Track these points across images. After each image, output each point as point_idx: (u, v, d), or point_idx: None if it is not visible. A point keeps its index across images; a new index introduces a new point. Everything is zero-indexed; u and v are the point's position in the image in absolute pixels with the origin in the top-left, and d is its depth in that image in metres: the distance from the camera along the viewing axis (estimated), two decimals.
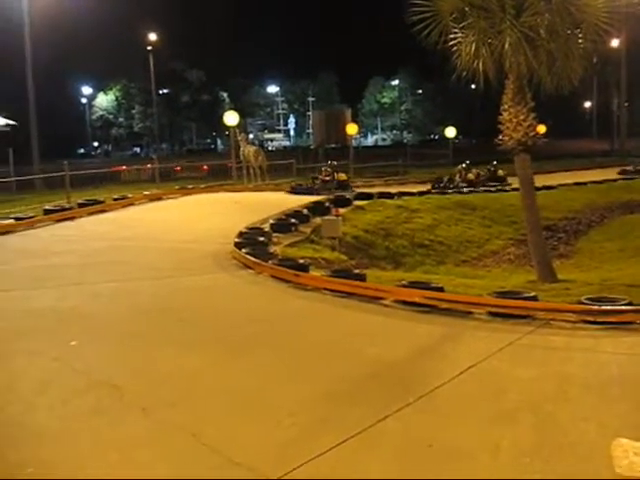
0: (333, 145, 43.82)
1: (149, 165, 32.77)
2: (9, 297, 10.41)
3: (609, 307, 8.47)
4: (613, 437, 5.22)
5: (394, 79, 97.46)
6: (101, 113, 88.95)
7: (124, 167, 33.98)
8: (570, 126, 63.86)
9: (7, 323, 8.99)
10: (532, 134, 12.77)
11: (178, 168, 32.82)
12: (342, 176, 26.81)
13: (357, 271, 11.77)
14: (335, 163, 28.50)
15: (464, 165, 28.02)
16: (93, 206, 20.02)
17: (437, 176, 28.02)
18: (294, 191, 25.04)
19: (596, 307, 8.49)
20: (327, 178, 26.71)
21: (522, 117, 12.65)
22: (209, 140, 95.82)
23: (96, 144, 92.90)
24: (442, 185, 26.46)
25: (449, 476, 4.86)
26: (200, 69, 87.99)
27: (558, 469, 4.91)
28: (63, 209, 19.41)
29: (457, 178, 27.17)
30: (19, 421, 5.92)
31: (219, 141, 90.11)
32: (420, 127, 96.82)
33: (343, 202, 20.63)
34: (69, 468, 5.05)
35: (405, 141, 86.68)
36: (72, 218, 18.69)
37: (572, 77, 12.73)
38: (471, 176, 27.35)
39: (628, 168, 34.10)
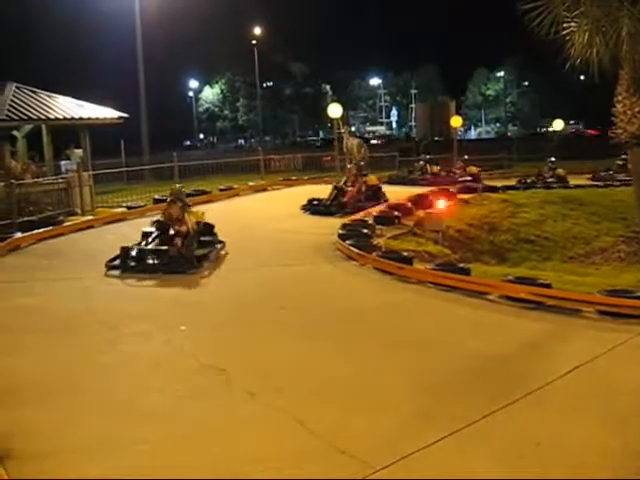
0: (437, 138, 43.30)
1: (298, 155, 33.71)
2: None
3: None
4: None
5: (499, 71, 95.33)
6: (207, 106, 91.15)
7: (272, 156, 34.31)
8: None
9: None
10: None
11: (327, 158, 32.51)
12: (473, 169, 27.02)
13: (462, 265, 11.63)
14: (428, 157, 28.78)
15: (551, 161, 27.26)
16: (200, 196, 20.55)
17: (538, 171, 27.31)
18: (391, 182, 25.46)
19: None
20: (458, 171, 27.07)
21: (637, 109, 12.13)
22: (311, 133, 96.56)
23: (202, 136, 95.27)
24: (529, 181, 25.79)
25: (556, 476, 4.77)
26: (303, 62, 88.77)
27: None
28: None
29: (545, 174, 26.44)
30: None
31: (321, 133, 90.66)
32: (525, 120, 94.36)
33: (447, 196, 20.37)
34: (175, 447, 5.25)
35: (509, 134, 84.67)
36: None
37: None
38: (561, 172, 26.55)
39: None
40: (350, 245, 12.63)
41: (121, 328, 8.47)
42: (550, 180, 25.89)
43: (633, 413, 5.77)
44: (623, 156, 26.22)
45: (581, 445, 5.20)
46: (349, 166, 21.40)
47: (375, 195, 19.75)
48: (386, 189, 20.59)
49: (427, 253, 14.03)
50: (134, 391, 6.46)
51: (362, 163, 22.14)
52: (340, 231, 14.23)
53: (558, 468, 4.85)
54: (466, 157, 28.88)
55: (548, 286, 9.58)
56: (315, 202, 18.89)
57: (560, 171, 26.67)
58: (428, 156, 29.14)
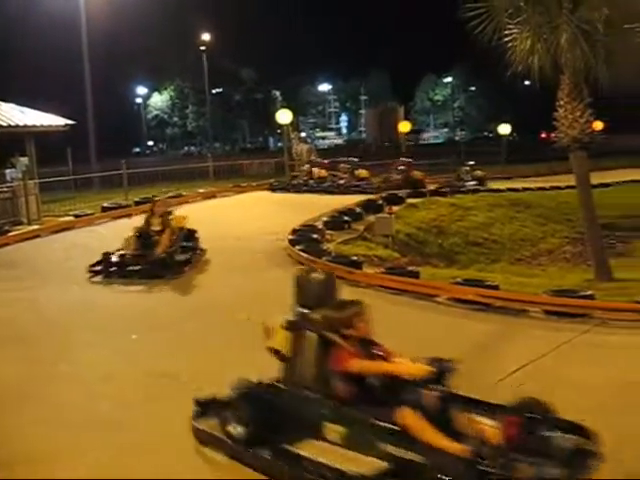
0: (387, 143, 43.70)
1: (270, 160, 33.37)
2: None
3: None
4: None
5: (447, 76, 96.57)
6: (156, 113, 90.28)
7: (247, 161, 33.96)
8: (629, 122, 62.41)
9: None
10: (588, 131, 12.56)
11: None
12: (363, 173, 25.62)
13: (411, 268, 11.76)
14: (356, 160, 27.96)
15: (468, 166, 27.26)
16: (149, 204, 20.31)
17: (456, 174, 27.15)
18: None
19: None
20: (344, 175, 25.17)
21: (578, 113, 12.45)
22: (261, 139, 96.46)
23: (151, 143, 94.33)
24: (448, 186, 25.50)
25: None
26: (253, 68, 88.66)
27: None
28: (120, 207, 19.81)
29: (464, 177, 26.41)
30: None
31: (271, 140, 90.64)
32: (473, 124, 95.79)
33: (396, 200, 20.62)
34: (129, 453, 5.21)
35: (457, 138, 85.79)
36: (129, 215, 19.05)
37: (630, 72, 12.48)
38: (480, 173, 26.67)
39: None
40: (300, 250, 12.67)
41: (76, 336, 8.38)
42: (470, 183, 25.82)
43: (578, 409, 5.90)
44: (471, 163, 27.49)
45: None
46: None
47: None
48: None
49: (377, 257, 14.15)
50: (85, 400, 6.40)
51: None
52: (290, 236, 14.26)
53: None
54: (355, 160, 27.71)
55: (495, 288, 9.77)
56: None
57: (478, 173, 26.75)
58: (356, 159, 28.36)
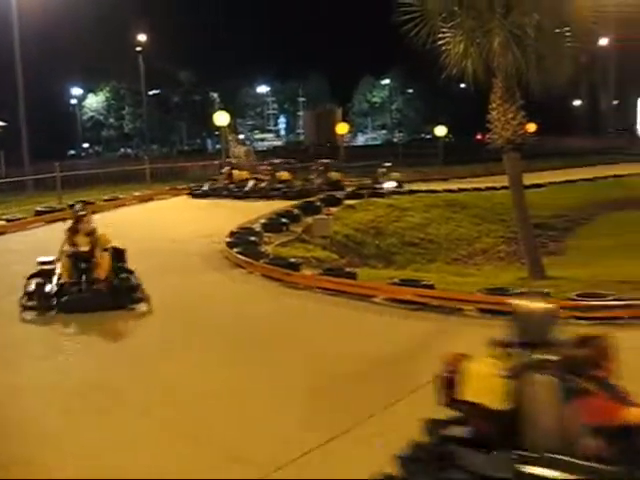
0: (327, 144, 43.82)
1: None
2: None
3: (597, 303, 8.57)
4: None
5: (384, 78, 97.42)
6: (91, 114, 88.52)
7: (189, 164, 33.00)
8: (560, 124, 64.01)
9: None
10: (521, 132, 12.83)
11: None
12: (284, 175, 24.21)
13: (348, 270, 11.83)
14: (292, 161, 27.27)
15: (385, 168, 26.70)
16: (70, 219, 19.93)
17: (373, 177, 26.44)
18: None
19: (585, 303, 8.59)
20: (265, 178, 23.81)
21: (511, 116, 12.71)
22: (199, 141, 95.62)
23: (86, 145, 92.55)
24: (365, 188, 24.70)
25: None
26: (191, 70, 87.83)
27: None
28: (54, 210, 19.39)
29: (380, 180, 25.75)
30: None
31: (209, 142, 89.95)
32: (411, 126, 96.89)
33: (334, 201, 20.70)
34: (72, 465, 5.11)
35: (395, 140, 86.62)
36: (63, 219, 18.68)
37: (560, 76, 12.79)
38: (397, 175, 26.17)
39: None
40: (238, 253, 12.62)
41: None
42: (387, 185, 25.24)
43: None
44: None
45: None
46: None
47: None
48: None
49: (315, 259, 14.18)
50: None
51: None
52: (228, 239, 14.18)
53: None
54: (276, 160, 26.85)
55: (431, 287, 9.90)
56: None
57: (396, 175, 26.43)
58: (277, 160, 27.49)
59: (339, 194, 22.10)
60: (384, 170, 26.48)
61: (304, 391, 6.49)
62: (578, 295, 8.92)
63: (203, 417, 5.96)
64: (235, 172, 24.57)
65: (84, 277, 9.79)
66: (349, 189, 24.07)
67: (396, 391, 6.29)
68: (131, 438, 5.53)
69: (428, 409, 5.87)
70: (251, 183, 23.34)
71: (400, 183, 25.79)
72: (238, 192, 22.86)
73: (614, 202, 25.35)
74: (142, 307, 9.64)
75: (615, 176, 30.14)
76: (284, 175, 24.24)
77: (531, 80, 12.53)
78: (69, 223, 10.86)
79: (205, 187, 24.03)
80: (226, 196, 22.74)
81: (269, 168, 24.76)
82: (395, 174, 26.32)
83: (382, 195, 23.38)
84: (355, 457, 5.12)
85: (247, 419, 5.89)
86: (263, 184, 23.38)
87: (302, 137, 71.48)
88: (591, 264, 14.70)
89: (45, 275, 9.89)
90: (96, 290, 9.65)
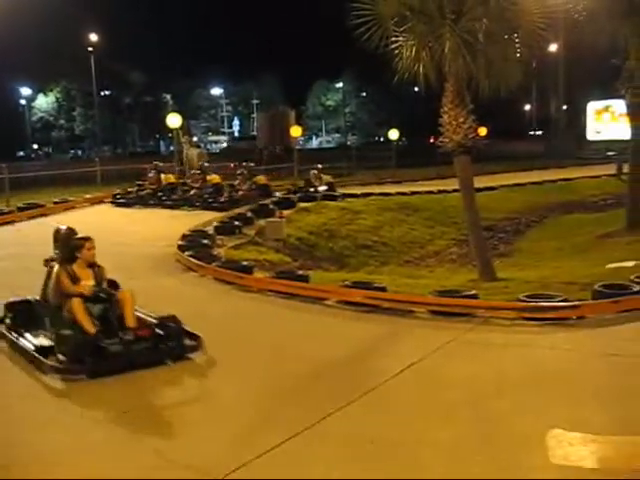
0: (278, 147, 43.79)
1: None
2: None
3: (546, 304, 8.70)
4: (548, 429, 5.40)
5: (338, 82, 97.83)
6: (41, 115, 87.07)
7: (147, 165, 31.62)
8: (511, 128, 65.06)
9: None
10: (472, 136, 12.99)
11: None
12: (261, 179, 23.13)
13: (300, 272, 11.83)
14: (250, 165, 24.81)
15: (317, 169, 25.73)
16: (33, 210, 19.66)
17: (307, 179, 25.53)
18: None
19: (533, 304, 8.72)
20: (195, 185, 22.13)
21: (462, 119, 12.86)
22: (152, 143, 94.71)
23: (36, 146, 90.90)
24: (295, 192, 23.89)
25: (390, 473, 4.93)
26: (143, 71, 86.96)
27: (497, 459, 5.06)
28: (2, 213, 19.04)
29: (314, 182, 24.89)
30: None
31: (162, 144, 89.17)
32: (364, 129, 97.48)
33: (287, 204, 20.69)
34: None
35: (349, 143, 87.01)
36: (12, 222, 18.37)
37: (510, 81, 12.98)
38: (329, 178, 25.34)
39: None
40: (190, 256, 12.52)
41: None
42: (321, 188, 24.36)
43: (460, 405, 6.10)
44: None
45: (414, 440, 5.42)
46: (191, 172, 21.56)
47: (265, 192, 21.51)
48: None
49: (268, 262, 14.16)
50: None
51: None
52: (180, 242, 14.07)
53: (391, 464, 5.04)
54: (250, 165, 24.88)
55: (383, 289, 9.95)
56: None
57: (327, 177, 25.68)
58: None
59: (293, 197, 22.09)
60: (315, 172, 25.63)
61: (260, 391, 6.47)
62: (527, 296, 9.04)
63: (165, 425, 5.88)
64: (162, 176, 23.29)
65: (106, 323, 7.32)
66: (279, 194, 22.89)
67: (349, 392, 6.31)
68: None
69: (382, 410, 6.00)
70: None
71: (331, 186, 24.94)
72: (166, 200, 21.38)
73: (562, 205, 25.86)
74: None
75: (563, 179, 30.70)
76: (214, 178, 22.71)
77: (481, 84, 12.69)
78: (58, 251, 8.07)
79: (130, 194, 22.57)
80: (152, 205, 21.24)
81: (198, 172, 23.02)
82: (327, 177, 25.55)
83: (315, 199, 22.51)
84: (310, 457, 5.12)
85: (204, 419, 5.86)
86: (193, 191, 21.85)
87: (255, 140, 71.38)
88: (540, 266, 14.96)
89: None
90: (135, 340, 7.06)
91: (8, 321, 7.97)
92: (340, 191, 24.73)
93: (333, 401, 6.09)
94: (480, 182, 24.73)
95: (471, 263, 15.45)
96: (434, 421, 5.80)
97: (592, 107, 50.54)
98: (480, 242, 13.30)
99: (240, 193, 21.47)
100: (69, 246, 7.75)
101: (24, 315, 7.98)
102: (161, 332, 7.34)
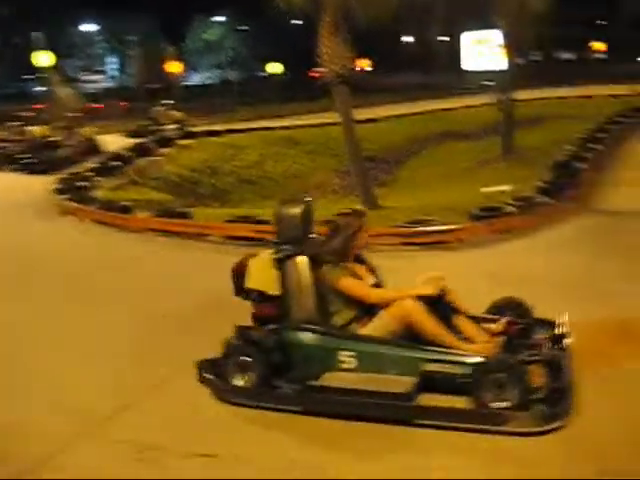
0: (158, 85, 42.50)
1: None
2: None
3: (425, 229, 8.93)
4: None
5: (218, 16, 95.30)
6: None
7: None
8: (393, 60, 65.47)
9: None
10: (349, 66, 12.95)
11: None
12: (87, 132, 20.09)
13: (183, 210, 11.64)
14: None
15: (164, 106, 23.74)
16: None
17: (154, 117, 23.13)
18: None
19: (414, 229, 8.94)
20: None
21: (338, 49, 12.77)
22: (22, 84, 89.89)
23: None
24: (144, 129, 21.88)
25: None
26: (8, 6, 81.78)
27: None
28: None
29: (162, 119, 22.48)
30: None
31: (32, 85, 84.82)
32: (246, 64, 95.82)
33: (167, 142, 20.15)
34: None
35: (231, 79, 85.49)
36: None
37: (386, 10, 12.97)
38: (178, 115, 23.00)
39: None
40: (67, 199, 12.09)
41: None
42: (169, 127, 22.05)
43: None
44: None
45: None
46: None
47: (92, 149, 18.73)
48: None
49: (149, 201, 13.86)
50: None
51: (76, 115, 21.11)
52: (57, 185, 13.55)
53: None
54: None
55: (267, 222, 9.92)
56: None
57: (176, 114, 23.42)
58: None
59: (171, 134, 21.30)
60: (161, 109, 23.28)
61: (134, 332, 6.36)
62: (406, 222, 9.25)
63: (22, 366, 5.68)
64: (32, 129, 19.83)
65: None
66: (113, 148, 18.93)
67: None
68: None
69: None
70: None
71: (181, 123, 22.68)
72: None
73: (442, 134, 26.43)
74: None
75: (443, 110, 31.32)
76: (38, 131, 19.42)
77: (358, 13, 12.61)
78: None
79: None
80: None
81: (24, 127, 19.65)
82: (175, 113, 23.26)
83: (165, 140, 20.45)
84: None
85: (67, 368, 5.63)
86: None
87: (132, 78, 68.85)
88: (420, 193, 15.31)
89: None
90: None
91: None
92: (217, 128, 23.47)
93: (225, 328, 6.10)
94: (362, 114, 24.93)
95: (353, 193, 15.60)
96: None
97: (468, 37, 51.47)
98: (361, 172, 13.41)
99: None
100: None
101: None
102: None
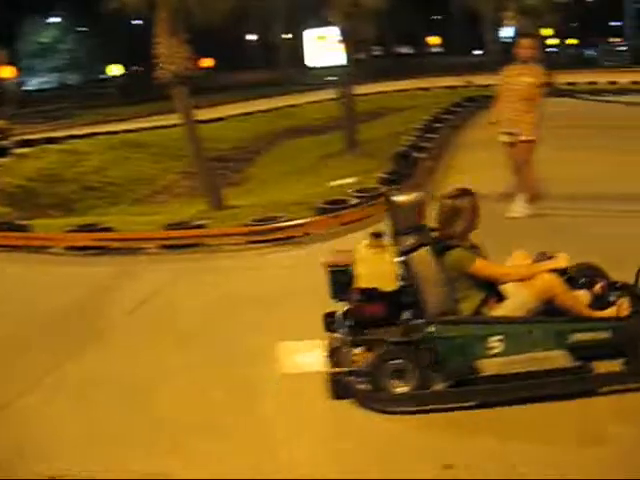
0: None
1: None
2: None
3: (272, 225, 9.01)
4: (277, 342, 5.65)
5: (54, 17, 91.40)
6: None
7: None
8: (237, 58, 65.34)
9: None
10: (188, 66, 12.79)
11: None
12: None
13: (21, 222, 11.10)
14: None
15: None
16: None
17: None
18: None
19: (260, 227, 8.99)
20: None
21: (176, 50, 12.58)
22: None
23: None
24: None
25: (129, 408, 4.94)
26: None
27: (230, 376, 5.23)
28: None
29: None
30: None
31: None
32: (85, 66, 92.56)
33: (2, 152, 19.08)
34: None
35: (70, 82, 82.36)
36: None
37: (223, 7, 12.92)
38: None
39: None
40: None
41: None
42: None
43: (195, 331, 6.20)
44: None
45: (150, 375, 5.41)
46: None
47: None
48: None
49: None
50: None
51: None
52: None
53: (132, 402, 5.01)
54: None
55: (109, 230, 9.68)
56: None
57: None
58: None
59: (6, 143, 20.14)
60: None
61: None
62: (254, 220, 9.29)
63: None
64: None
65: None
66: None
67: (83, 339, 6.14)
68: None
69: (118, 350, 5.89)
70: None
71: (3, 133, 20.76)
72: None
73: (289, 130, 26.65)
74: None
75: (288, 106, 31.58)
76: None
77: (194, 13, 12.49)
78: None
79: None
80: None
81: None
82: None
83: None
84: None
85: None
86: None
87: None
88: (269, 190, 15.39)
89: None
90: None
91: None
92: (56, 134, 22.64)
93: (68, 348, 5.93)
94: (208, 113, 24.85)
95: (202, 194, 15.48)
96: (168, 351, 5.82)
97: (310, 35, 52.27)
98: (206, 172, 13.28)
99: None
100: None
101: None
102: None
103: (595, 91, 25.50)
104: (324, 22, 43.87)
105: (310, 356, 5.46)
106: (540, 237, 7.23)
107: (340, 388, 4.57)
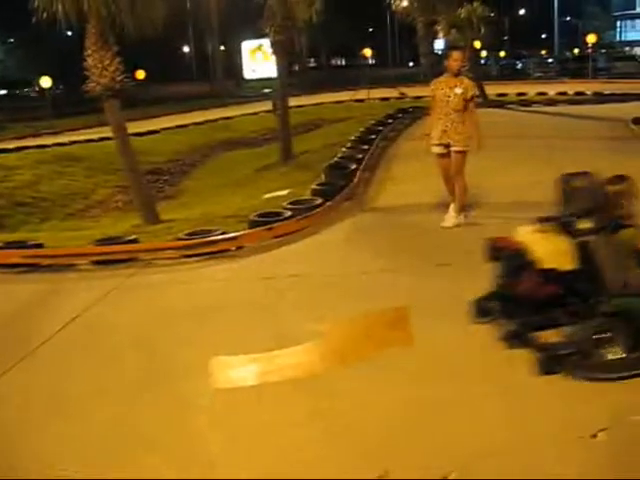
0: None
1: None
2: None
3: (205, 239, 8.97)
4: (211, 357, 5.64)
5: None
6: None
7: None
8: (172, 70, 64.88)
9: None
10: (119, 79, 12.62)
11: None
12: None
13: None
14: None
15: None
16: None
17: None
18: None
19: (193, 241, 8.95)
20: None
21: (107, 62, 12.38)
22: None
23: None
24: None
25: (63, 422, 4.86)
26: None
27: (163, 393, 5.19)
28: None
29: None
30: None
31: None
32: (14, 79, 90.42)
33: None
34: None
35: None
36: None
37: (155, 19, 12.79)
38: None
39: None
40: None
41: None
42: None
43: (127, 346, 6.14)
44: None
45: (82, 391, 5.33)
46: None
47: None
48: None
49: None
50: None
51: None
52: None
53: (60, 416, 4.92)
54: None
55: (40, 246, 9.49)
56: None
57: None
58: None
59: None
60: None
61: None
62: (188, 234, 9.24)
63: None
64: None
65: None
66: None
67: (10, 358, 6.00)
68: None
69: (49, 366, 5.77)
70: None
71: None
72: None
73: (224, 143, 26.54)
74: None
75: (224, 118, 31.48)
76: None
77: (126, 24, 12.33)
78: None
79: None
80: None
81: None
82: None
83: None
84: None
85: None
86: None
87: None
88: (204, 203, 15.26)
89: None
90: None
91: None
92: None
93: None
94: (142, 126, 24.62)
95: (136, 208, 15.29)
96: (100, 369, 5.74)
97: (246, 46, 52.36)
98: (139, 186, 13.09)
99: None
100: None
101: None
102: None
103: (525, 102, 26.32)
104: (261, 34, 44.08)
105: (244, 371, 5.47)
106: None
107: (551, 362, 4.68)
